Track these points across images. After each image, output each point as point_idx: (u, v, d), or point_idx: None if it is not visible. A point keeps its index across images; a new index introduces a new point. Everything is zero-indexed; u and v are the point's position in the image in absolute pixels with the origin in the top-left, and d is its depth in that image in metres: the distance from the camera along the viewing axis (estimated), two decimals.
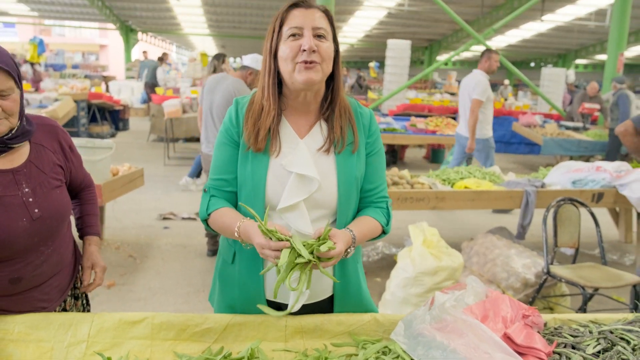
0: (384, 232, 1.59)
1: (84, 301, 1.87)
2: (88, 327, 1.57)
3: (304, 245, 1.34)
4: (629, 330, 1.51)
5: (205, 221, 1.55)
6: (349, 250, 1.45)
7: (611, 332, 1.52)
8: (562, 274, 3.17)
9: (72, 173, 1.71)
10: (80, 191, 1.83)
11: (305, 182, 1.46)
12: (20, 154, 1.54)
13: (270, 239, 1.33)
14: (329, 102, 1.53)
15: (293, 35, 1.42)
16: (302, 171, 1.45)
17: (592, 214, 3.53)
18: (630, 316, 1.67)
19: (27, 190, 1.51)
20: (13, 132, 1.48)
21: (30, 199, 1.51)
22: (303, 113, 1.53)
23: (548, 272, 3.22)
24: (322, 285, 1.58)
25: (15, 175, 1.50)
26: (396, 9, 17.46)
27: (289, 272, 1.35)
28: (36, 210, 1.51)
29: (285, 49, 1.42)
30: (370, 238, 1.55)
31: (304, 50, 1.39)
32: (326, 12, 1.48)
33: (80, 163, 1.76)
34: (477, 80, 5.57)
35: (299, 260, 1.33)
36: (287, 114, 1.53)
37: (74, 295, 1.80)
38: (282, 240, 1.32)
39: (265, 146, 1.47)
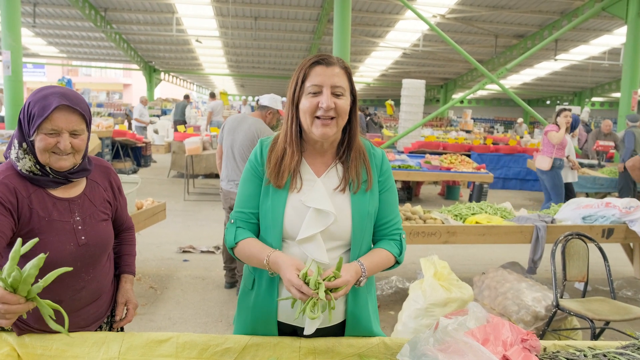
0: (397, 262, 1.73)
1: (120, 330, 2.01)
2: (119, 345, 1.71)
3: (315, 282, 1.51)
4: (621, 354, 1.60)
5: (231, 249, 1.70)
6: (360, 279, 1.60)
7: (604, 356, 1.61)
8: (571, 307, 3.23)
9: (117, 211, 1.90)
10: (121, 232, 2.00)
11: (322, 216, 1.61)
12: (78, 187, 1.74)
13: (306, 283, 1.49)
14: (346, 146, 1.69)
15: (314, 92, 1.58)
16: (319, 206, 1.61)
17: (601, 249, 3.60)
18: (626, 343, 1.76)
19: (78, 218, 1.70)
20: (75, 167, 1.68)
21: (80, 227, 1.70)
22: (320, 155, 1.70)
23: (557, 306, 3.28)
24: (335, 311, 1.71)
25: (71, 204, 1.70)
26: (411, 50, 17.89)
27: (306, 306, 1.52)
28: (83, 237, 1.70)
29: (305, 103, 1.59)
30: (383, 268, 1.69)
31: (322, 107, 1.57)
32: (345, 69, 1.63)
33: (125, 205, 1.96)
34: None
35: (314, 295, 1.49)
36: (306, 155, 1.69)
37: (109, 323, 1.93)
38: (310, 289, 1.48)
39: (286, 183, 1.64)
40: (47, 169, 1.64)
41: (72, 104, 1.59)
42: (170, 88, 32.00)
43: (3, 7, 9.20)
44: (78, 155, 1.66)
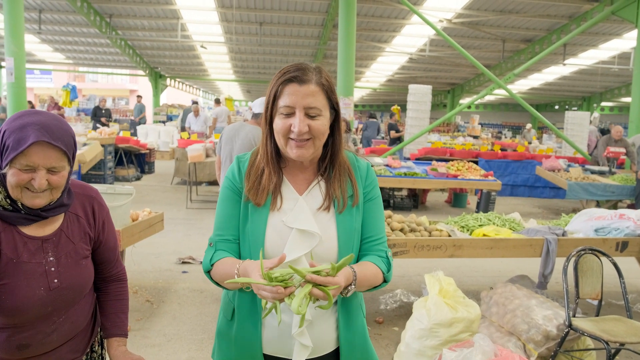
0: (385, 281, 1.57)
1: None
2: None
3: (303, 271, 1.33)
4: None
5: (208, 273, 1.55)
6: (349, 287, 1.42)
7: None
8: (585, 328, 3.05)
9: (101, 248, 1.68)
10: (109, 281, 1.77)
11: (307, 237, 1.47)
12: (53, 222, 1.54)
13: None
14: (328, 162, 1.55)
15: (286, 114, 1.44)
16: (303, 227, 1.47)
17: (615, 265, 3.42)
18: None
19: (51, 259, 1.51)
20: (50, 204, 1.48)
21: (52, 269, 1.51)
22: (301, 171, 1.56)
23: (570, 325, 3.11)
24: (326, 338, 1.56)
25: (44, 243, 1.51)
26: (418, 55, 17.75)
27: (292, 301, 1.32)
28: (55, 281, 1.51)
29: (278, 123, 1.46)
30: (371, 283, 1.52)
31: (293, 131, 1.43)
32: (322, 85, 1.47)
33: (115, 246, 1.73)
34: None
35: (297, 281, 1.31)
36: (286, 171, 1.56)
37: (91, 359, 1.77)
38: (280, 282, 1.30)
39: (266, 201, 1.50)
40: (19, 204, 1.45)
41: (52, 139, 1.38)
42: (176, 94, 32.04)
43: (6, 13, 9.16)
44: (56, 192, 1.47)
